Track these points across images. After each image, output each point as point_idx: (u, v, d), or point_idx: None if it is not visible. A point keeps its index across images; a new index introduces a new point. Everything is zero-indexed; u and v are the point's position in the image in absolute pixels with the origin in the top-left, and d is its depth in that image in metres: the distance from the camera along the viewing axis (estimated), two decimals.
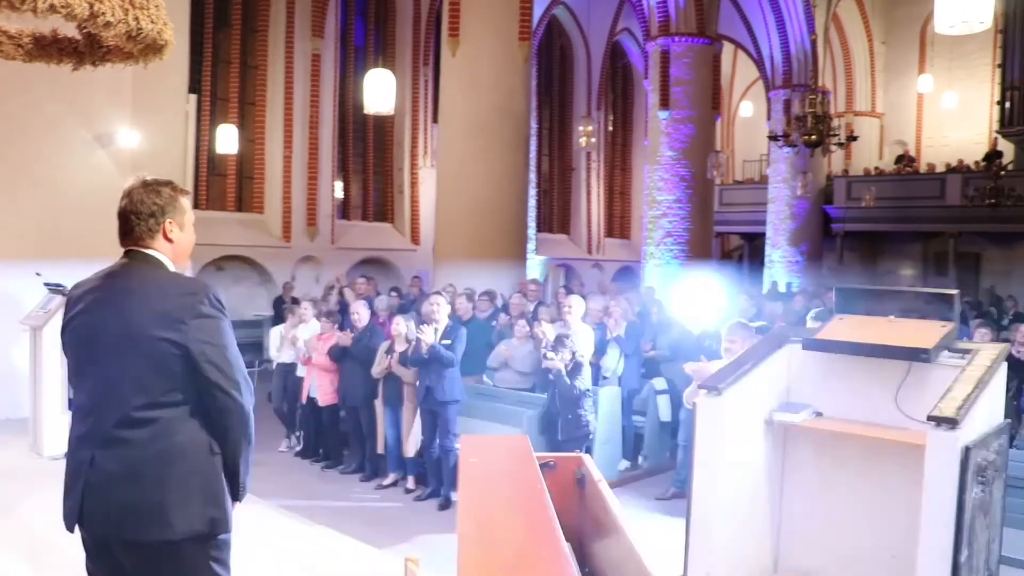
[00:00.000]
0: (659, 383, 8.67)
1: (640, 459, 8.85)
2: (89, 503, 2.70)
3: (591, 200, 25.48)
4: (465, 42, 12.92)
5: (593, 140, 22.58)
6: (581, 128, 22.50)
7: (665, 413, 8.60)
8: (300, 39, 18.20)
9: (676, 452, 7.93)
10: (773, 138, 18.71)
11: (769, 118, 22.83)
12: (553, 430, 7.24)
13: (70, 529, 2.77)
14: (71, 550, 5.59)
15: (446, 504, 7.40)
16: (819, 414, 4.47)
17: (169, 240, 2.88)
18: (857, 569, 4.39)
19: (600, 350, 8.68)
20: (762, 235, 23.75)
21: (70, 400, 8.13)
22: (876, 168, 25.46)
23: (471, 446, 2.46)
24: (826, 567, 4.51)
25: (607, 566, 2.01)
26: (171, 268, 2.89)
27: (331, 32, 18.78)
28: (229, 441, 2.77)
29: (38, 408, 8.24)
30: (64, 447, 7.59)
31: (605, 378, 8.55)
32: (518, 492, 2.05)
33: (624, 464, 8.59)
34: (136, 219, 2.84)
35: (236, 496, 2.84)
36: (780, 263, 22.70)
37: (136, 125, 10.60)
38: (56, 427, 8.12)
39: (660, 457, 8.68)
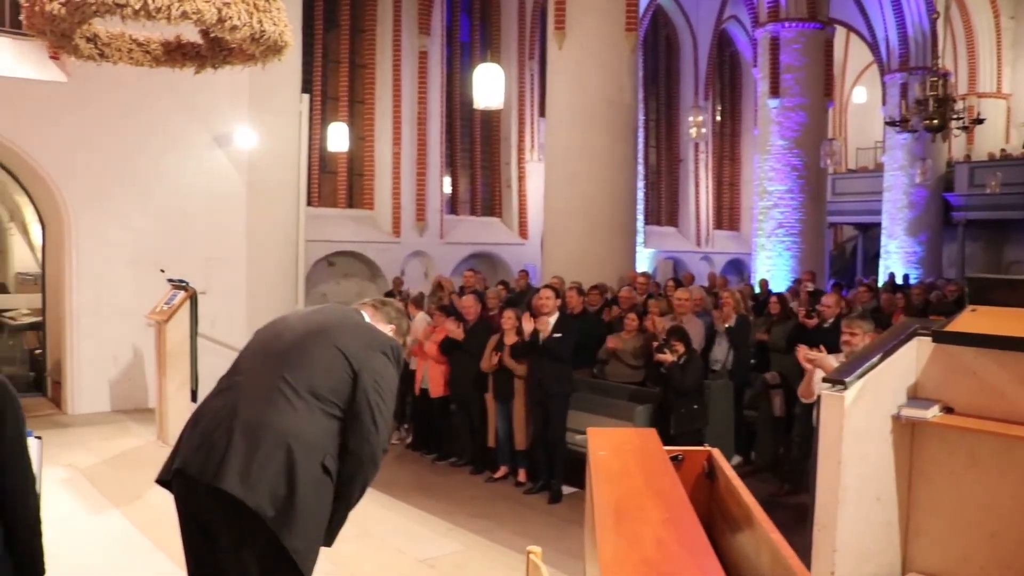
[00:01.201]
0: (772, 377, 8.48)
1: (752, 454, 8.68)
2: (190, 441, 2.91)
3: (699, 192, 25.09)
4: (571, 35, 12.87)
5: (703, 131, 22.23)
6: (691, 119, 22.16)
7: (779, 408, 8.41)
8: (407, 37, 18.43)
9: (791, 448, 7.74)
10: (891, 124, 18.09)
11: (884, 103, 22.06)
12: (665, 424, 7.16)
13: (166, 473, 3.01)
14: None
15: (557, 497, 7.40)
16: (950, 410, 4.29)
17: (388, 326, 3.30)
18: (990, 572, 4.20)
19: (709, 342, 8.55)
20: (877, 225, 22.97)
21: (193, 392, 8.48)
22: (1002, 152, 24.31)
23: (599, 439, 2.45)
24: (956, 569, 4.33)
25: (742, 560, 1.97)
26: None
27: (437, 29, 18.97)
28: (350, 465, 2.90)
29: (163, 399, 8.57)
30: None
31: (714, 371, 8.42)
32: (651, 484, 2.02)
33: (736, 459, 8.44)
34: (383, 307, 3.35)
35: (327, 536, 2.95)
36: (897, 254, 21.92)
37: (253, 125, 10.91)
38: (180, 417, 8.42)
39: (773, 453, 8.49)
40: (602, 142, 12.57)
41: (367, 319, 3.22)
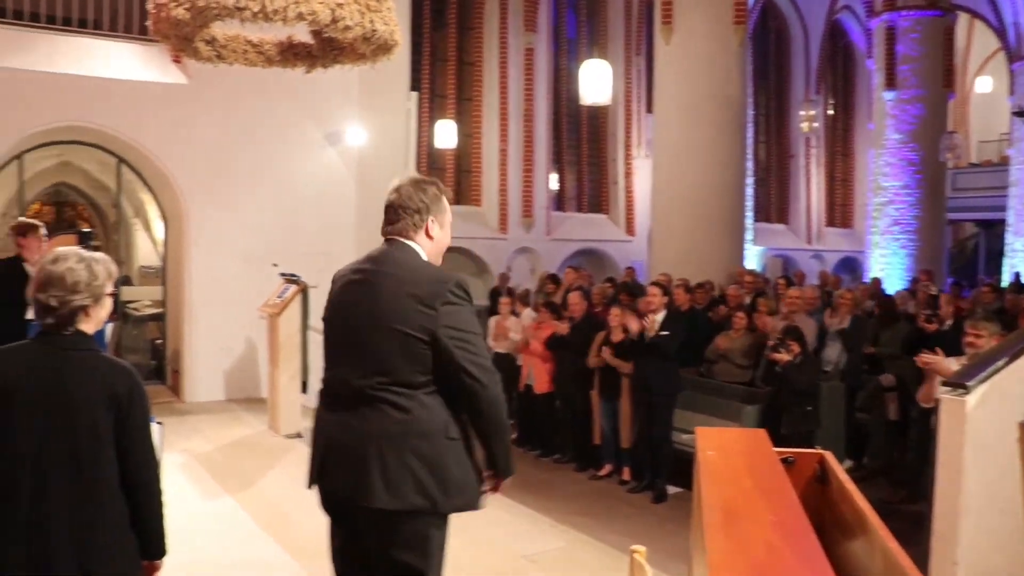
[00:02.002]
0: (887, 380, 8.20)
1: (865, 459, 8.41)
2: (329, 468, 2.92)
3: (810, 188, 24.45)
4: (678, 29, 12.71)
5: (814, 125, 21.67)
6: (802, 113, 21.62)
7: (893, 411, 8.13)
8: (513, 34, 18.51)
9: (906, 453, 7.48)
10: (1019, 114, 17.27)
11: (1012, 93, 21.04)
12: (774, 425, 6.99)
13: (309, 486, 3.01)
14: (302, 520, 5.97)
15: (661, 497, 7.32)
16: None
17: (430, 237, 3.03)
18: None
19: (821, 343, 8.32)
20: (1002, 222, 21.95)
21: (304, 383, 8.70)
22: None
23: (707, 438, 2.40)
24: None
25: (855, 569, 1.90)
26: (424, 259, 3.02)
27: (544, 26, 18.99)
28: (480, 424, 2.88)
29: (275, 390, 8.80)
30: (298, 426, 8.12)
31: (826, 372, 8.19)
32: (761, 486, 1.97)
33: (847, 463, 8.19)
34: (404, 213, 3.00)
35: (499, 473, 2.97)
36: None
37: (362, 123, 11.12)
38: (291, 408, 8.66)
39: (887, 458, 8.21)
40: (710, 138, 12.38)
41: (414, 248, 3.00)
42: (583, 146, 20.78)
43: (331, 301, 3.10)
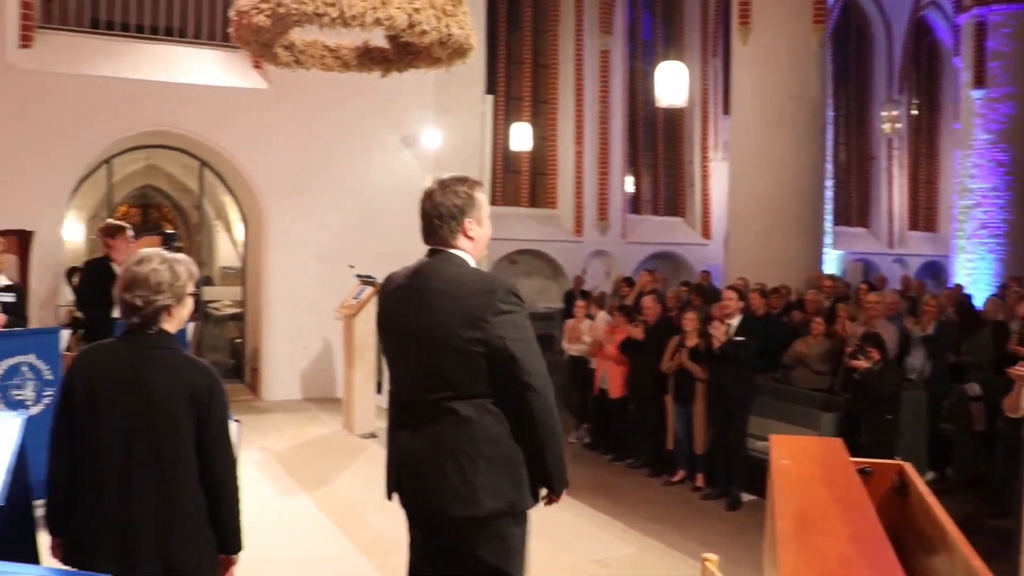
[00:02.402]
0: (973, 388, 7.95)
1: (948, 471, 8.17)
2: (404, 480, 2.97)
3: (893, 190, 23.83)
4: (756, 30, 12.52)
5: (897, 126, 21.12)
6: (884, 113, 21.09)
7: (980, 421, 7.87)
8: (589, 36, 18.46)
9: (993, 465, 7.23)
10: None
11: None
12: (852, 434, 6.84)
13: (388, 497, 3.06)
14: (375, 519, 6.04)
15: (735, 504, 7.22)
16: None
17: (469, 238, 3.01)
18: None
19: (903, 350, 8.11)
20: None
21: (378, 384, 8.79)
22: None
23: (782, 446, 2.36)
24: None
25: None
26: (472, 264, 3.02)
27: (619, 28, 18.90)
28: (536, 432, 2.86)
29: (350, 390, 8.91)
30: (372, 426, 8.19)
31: (909, 380, 7.97)
32: (837, 497, 1.93)
33: (930, 475, 7.96)
34: (438, 221, 2.98)
35: (551, 488, 2.97)
36: None
37: (438, 126, 11.21)
38: (366, 408, 8.76)
39: (972, 470, 7.96)
40: (788, 140, 12.17)
41: (459, 256, 2.98)
42: (659, 148, 20.61)
43: (384, 310, 3.13)
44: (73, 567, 2.74)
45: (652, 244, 19.37)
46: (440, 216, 2.97)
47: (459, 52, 4.79)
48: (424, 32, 4.32)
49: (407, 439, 2.95)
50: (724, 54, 18.34)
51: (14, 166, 9.38)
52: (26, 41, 9.78)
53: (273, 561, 5.19)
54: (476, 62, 11.43)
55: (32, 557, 3.72)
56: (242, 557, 2.93)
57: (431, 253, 3.03)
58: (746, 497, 7.24)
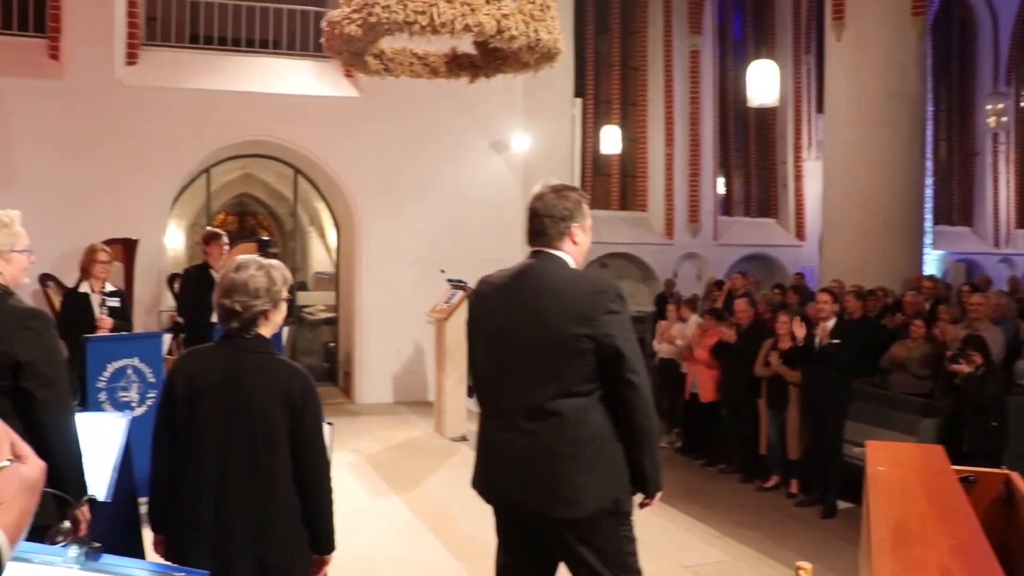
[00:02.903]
0: None
1: None
2: (502, 481, 2.99)
3: (998, 187, 22.92)
4: (851, 24, 12.21)
5: (1003, 120, 20.31)
6: (989, 107, 20.30)
7: None
8: (678, 37, 18.27)
9: None
10: None
11: None
12: (955, 440, 6.60)
13: (489, 501, 3.08)
14: (465, 522, 6.09)
15: (831, 512, 7.03)
16: None
17: (575, 243, 3.05)
18: None
19: (1012, 353, 7.79)
20: None
21: (469, 388, 8.85)
22: None
23: (879, 453, 2.29)
24: None
25: None
26: (573, 267, 3.04)
27: (709, 28, 18.66)
28: (635, 431, 2.90)
29: (441, 393, 9.00)
30: (463, 429, 8.25)
31: (1019, 385, 7.66)
32: (937, 506, 1.86)
33: None
34: (549, 221, 3.01)
35: (646, 490, 2.98)
36: None
37: (527, 131, 11.24)
38: (457, 411, 8.83)
39: None
40: (885, 137, 11.84)
41: (562, 257, 3.01)
42: (751, 149, 20.27)
43: (479, 314, 3.16)
44: (174, 563, 2.83)
45: (744, 246, 19.05)
46: (552, 216, 3.01)
47: (547, 56, 4.81)
48: (513, 37, 4.35)
49: (504, 439, 2.97)
50: (817, 51, 17.94)
51: (120, 178, 9.75)
52: (132, 59, 10.17)
53: (364, 561, 5.27)
54: (565, 66, 11.42)
55: (137, 551, 3.86)
56: (334, 556, 2.98)
57: (535, 255, 3.06)
58: (842, 505, 7.06)
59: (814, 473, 7.36)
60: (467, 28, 4.17)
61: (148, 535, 3.13)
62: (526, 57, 4.84)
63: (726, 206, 19.73)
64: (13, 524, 1.23)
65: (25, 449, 1.31)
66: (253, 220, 16.21)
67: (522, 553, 3.07)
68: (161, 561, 2.84)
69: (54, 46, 9.92)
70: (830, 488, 7.12)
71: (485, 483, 3.05)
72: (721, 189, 19.39)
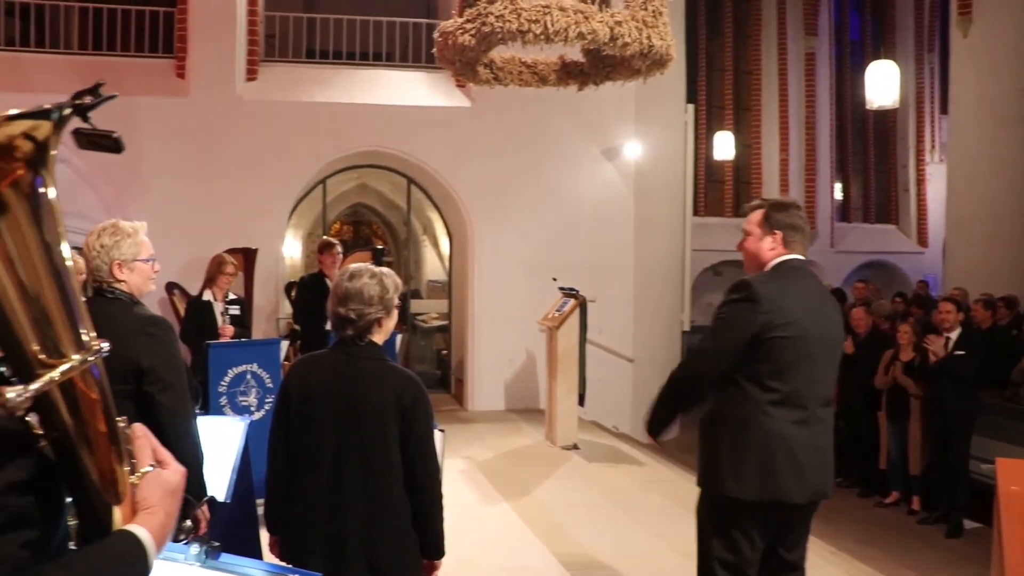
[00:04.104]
0: None
1: None
2: (815, 475, 3.25)
3: None
4: (979, 20, 11.70)
5: None
6: None
7: None
8: (793, 39, 17.88)
9: None
10: None
11: None
12: None
13: (798, 500, 3.25)
14: (575, 532, 6.06)
15: (956, 531, 6.74)
16: None
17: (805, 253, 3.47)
18: None
19: None
20: None
21: (581, 396, 8.81)
22: None
23: (1011, 471, 2.18)
24: None
25: None
26: None
27: (825, 29, 18.20)
28: None
29: (552, 402, 8.96)
30: (574, 438, 8.18)
31: None
32: None
33: None
34: (802, 236, 3.37)
35: None
36: None
37: (639, 137, 11.15)
38: (568, 419, 8.79)
39: None
40: (1015, 137, 11.28)
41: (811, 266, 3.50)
42: (869, 152, 19.65)
43: (796, 314, 3.21)
44: (289, 563, 2.91)
45: (863, 253, 18.48)
46: (804, 231, 3.38)
47: (659, 63, 4.77)
48: (625, 44, 4.34)
49: (804, 434, 3.18)
50: (941, 49, 17.27)
51: (241, 189, 10.10)
52: (251, 74, 10.54)
53: (474, 568, 5.29)
54: (676, 71, 11.28)
55: (255, 551, 3.98)
56: (444, 562, 3.00)
57: (803, 263, 3.37)
58: (969, 524, 6.74)
59: (937, 490, 7.07)
60: (580, 36, 4.18)
61: (264, 536, 3.21)
62: (638, 64, 4.81)
63: (844, 212, 19.19)
64: (159, 527, 1.27)
65: (165, 454, 1.36)
66: (368, 229, 16.56)
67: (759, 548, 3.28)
68: (277, 562, 2.91)
69: (181, 65, 10.37)
70: (956, 506, 6.83)
71: (801, 483, 3.19)
72: (838, 195, 18.87)
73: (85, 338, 1.17)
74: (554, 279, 9.72)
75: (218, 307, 6.76)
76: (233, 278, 6.99)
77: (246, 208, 10.04)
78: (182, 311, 8.50)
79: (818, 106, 17.98)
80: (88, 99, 1.16)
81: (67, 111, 1.10)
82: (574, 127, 10.92)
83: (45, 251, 1.10)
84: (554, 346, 8.89)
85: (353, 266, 3.04)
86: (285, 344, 8.05)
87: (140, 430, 1.33)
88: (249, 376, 6.15)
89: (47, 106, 1.06)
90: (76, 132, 1.21)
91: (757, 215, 3.36)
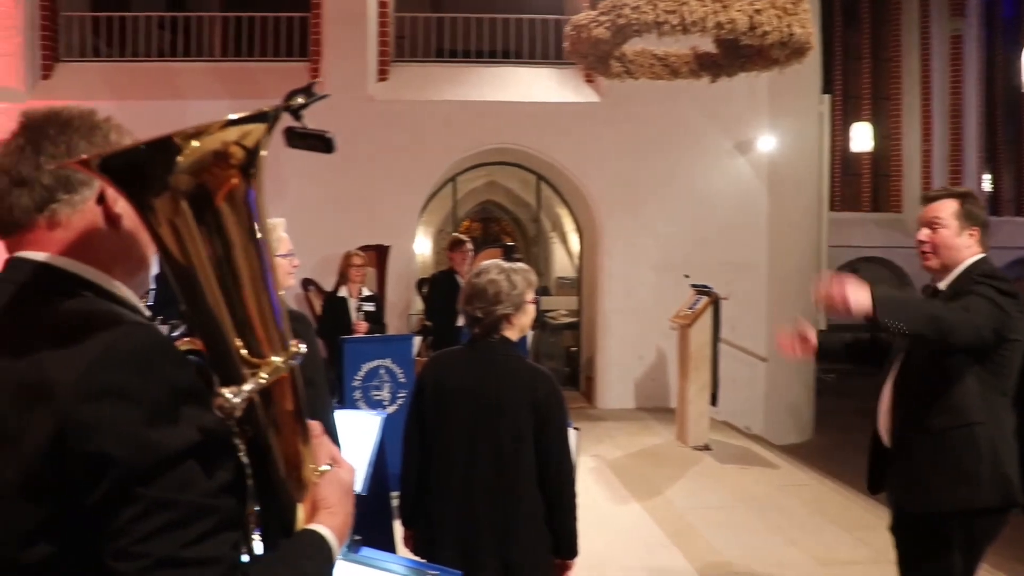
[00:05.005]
0: None
1: None
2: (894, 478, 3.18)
3: None
4: None
5: None
6: None
7: None
8: (937, 22, 17.07)
9: None
10: None
11: None
12: None
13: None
14: (708, 534, 5.91)
15: None
16: None
17: None
18: None
19: None
20: None
21: (713, 395, 8.63)
22: None
23: None
24: None
25: None
26: None
27: (973, 9, 17.29)
28: None
29: (683, 401, 8.81)
30: (705, 438, 8.02)
31: None
32: None
33: None
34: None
35: None
36: None
37: (773, 130, 10.83)
38: (700, 420, 8.62)
39: None
40: None
41: None
42: (1023, 140, 18.59)
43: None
44: (422, 558, 2.91)
45: (1016, 248, 17.48)
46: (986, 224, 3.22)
47: (798, 52, 4.60)
48: (765, 33, 4.19)
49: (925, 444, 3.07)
50: None
51: (374, 187, 10.31)
52: (383, 75, 10.75)
53: (602, 567, 5.23)
54: (812, 61, 10.89)
55: (388, 544, 4.03)
56: (575, 563, 2.96)
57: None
58: None
59: None
60: (719, 26, 4.06)
61: (397, 529, 3.23)
62: (776, 54, 4.64)
63: (994, 205, 18.21)
64: (340, 527, 1.28)
65: (338, 453, 1.37)
66: (496, 226, 16.68)
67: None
68: (411, 556, 2.92)
69: (315, 67, 10.65)
70: None
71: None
72: (988, 186, 17.91)
73: (287, 339, 1.19)
74: (686, 276, 9.54)
75: (353, 303, 6.90)
76: (362, 272, 7.13)
77: (379, 206, 10.24)
78: (317, 307, 8.73)
79: (965, 92, 17.11)
80: (301, 98, 1.20)
81: (281, 112, 1.13)
82: (705, 120, 10.70)
83: (256, 254, 1.12)
84: (686, 344, 8.74)
85: (484, 263, 3.03)
86: (417, 340, 8.17)
87: (318, 428, 1.34)
88: (382, 371, 6.25)
89: (264, 109, 1.08)
90: (287, 131, 1.25)
91: (951, 206, 3.11)
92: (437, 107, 10.51)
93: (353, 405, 6.05)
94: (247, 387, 1.10)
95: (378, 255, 9.62)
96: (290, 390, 1.23)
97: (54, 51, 10.74)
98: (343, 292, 7.00)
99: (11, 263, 1.23)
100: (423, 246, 14.05)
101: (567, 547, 2.93)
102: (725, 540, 5.85)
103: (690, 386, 8.64)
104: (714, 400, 8.71)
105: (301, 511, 1.28)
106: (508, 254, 8.57)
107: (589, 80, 10.57)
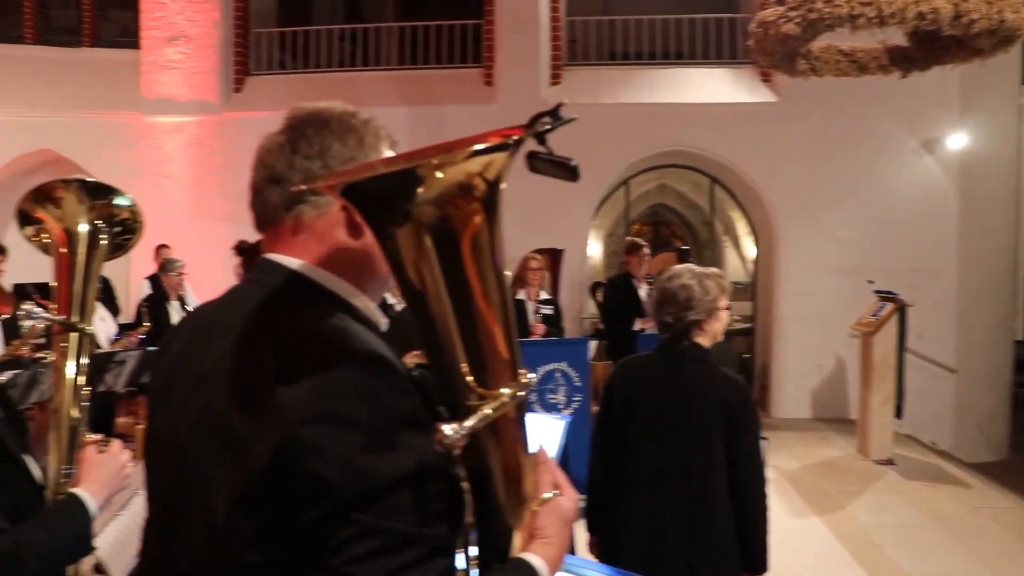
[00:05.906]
0: None
1: None
2: None
3: None
4: None
5: None
6: None
7: None
8: None
9: None
10: None
11: None
12: None
13: None
14: (892, 551, 5.64)
15: None
16: None
17: None
18: None
19: None
20: None
21: (898, 407, 8.21)
22: None
23: None
24: None
25: None
26: None
27: None
28: None
29: (865, 412, 8.43)
30: (889, 452, 7.64)
31: None
32: None
33: None
34: None
35: None
36: None
37: (964, 128, 10.22)
38: (883, 432, 8.23)
39: None
40: None
41: None
42: None
43: None
44: (606, 563, 2.89)
45: None
46: None
47: (1007, 40, 4.28)
48: (972, 22, 3.91)
49: None
50: None
51: (548, 191, 10.34)
52: (555, 79, 10.81)
53: None
54: (1009, 53, 10.24)
55: (570, 548, 4.02)
56: None
57: None
58: None
59: None
60: (919, 16, 3.82)
61: (580, 534, 3.21)
62: (982, 43, 4.34)
63: None
64: (554, 558, 1.24)
65: (562, 479, 1.33)
66: (667, 229, 16.49)
67: None
68: (595, 560, 2.91)
69: (488, 74, 10.83)
70: None
71: None
72: None
73: (518, 370, 1.18)
74: (870, 281, 9.13)
75: (530, 306, 6.97)
76: (539, 275, 7.18)
77: (553, 209, 10.28)
78: None
79: None
80: (547, 121, 1.18)
81: (525, 139, 1.12)
82: (889, 118, 10.21)
83: (495, 285, 1.13)
84: (869, 353, 8.37)
85: (675, 267, 2.99)
86: (593, 344, 8.15)
87: (544, 455, 1.33)
88: (558, 374, 6.27)
89: (509, 138, 1.08)
90: (530, 155, 1.23)
91: None
92: (609, 110, 10.47)
93: (529, 408, 6.08)
94: (469, 423, 1.08)
95: (552, 259, 9.68)
96: (515, 419, 1.21)
97: (245, 66, 11.38)
98: (521, 295, 7.08)
99: (264, 265, 1.28)
100: (594, 249, 14.03)
101: (758, 561, 2.85)
102: (914, 562, 5.56)
103: (873, 397, 8.26)
104: (899, 412, 8.30)
105: (517, 538, 1.26)
106: (683, 258, 8.45)
107: (766, 79, 10.30)
